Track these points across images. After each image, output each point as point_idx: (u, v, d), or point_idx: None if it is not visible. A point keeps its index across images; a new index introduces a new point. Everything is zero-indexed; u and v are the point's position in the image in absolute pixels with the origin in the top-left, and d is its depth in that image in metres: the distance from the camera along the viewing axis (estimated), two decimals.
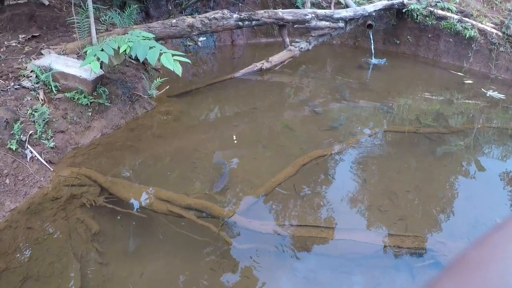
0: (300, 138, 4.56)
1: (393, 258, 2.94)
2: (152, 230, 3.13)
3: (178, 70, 3.71)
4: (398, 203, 3.51)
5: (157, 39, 4.49)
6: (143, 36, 4.01)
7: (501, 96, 6.05)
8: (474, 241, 0.46)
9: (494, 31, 7.03)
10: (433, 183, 3.88)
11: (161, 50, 3.78)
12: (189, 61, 3.96)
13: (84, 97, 4.17)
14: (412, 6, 7.34)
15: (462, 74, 6.91)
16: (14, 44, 4.79)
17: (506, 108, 5.74)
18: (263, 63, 5.84)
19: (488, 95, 6.10)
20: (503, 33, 6.96)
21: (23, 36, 4.98)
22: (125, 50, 3.82)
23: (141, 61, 4.29)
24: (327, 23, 6.33)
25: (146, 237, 3.07)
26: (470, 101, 5.91)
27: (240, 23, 5.54)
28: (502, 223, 0.47)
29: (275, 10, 5.90)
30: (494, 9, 7.72)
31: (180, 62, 3.82)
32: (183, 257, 2.90)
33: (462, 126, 5.10)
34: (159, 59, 3.75)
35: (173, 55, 3.79)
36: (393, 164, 4.19)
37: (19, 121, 3.61)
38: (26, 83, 4.01)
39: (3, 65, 4.22)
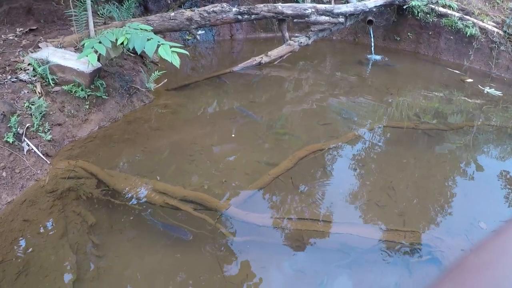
0: (298, 132, 4.55)
1: (390, 253, 2.93)
2: (148, 222, 3.12)
3: (176, 62, 3.68)
4: (396, 198, 3.50)
5: (155, 32, 4.46)
6: (141, 29, 3.99)
7: (498, 93, 6.04)
8: (474, 245, 0.46)
9: (495, 29, 7.01)
10: (431, 179, 3.87)
11: (159, 42, 3.75)
12: (187, 52, 3.94)
13: (82, 90, 4.15)
14: (413, 3, 7.30)
15: (459, 72, 6.88)
16: (11, 37, 4.77)
17: (505, 107, 5.72)
18: (262, 57, 5.81)
19: (485, 92, 6.09)
20: (504, 32, 6.93)
21: (20, 29, 4.95)
22: (122, 42, 3.79)
23: (138, 53, 4.26)
24: (327, 18, 6.29)
25: (142, 229, 3.05)
26: (469, 99, 5.89)
27: (239, 16, 5.52)
28: (502, 227, 0.47)
29: (275, 4, 5.87)
30: (496, 8, 7.68)
31: (179, 55, 3.80)
32: (179, 249, 2.89)
33: (461, 124, 5.08)
34: (157, 51, 3.72)
35: (171, 46, 3.76)
36: (392, 159, 4.18)
37: (16, 114, 3.59)
38: (23, 76, 3.99)
39: (0, 58, 4.20)
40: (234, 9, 5.47)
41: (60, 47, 4.62)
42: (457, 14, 7.25)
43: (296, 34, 6.53)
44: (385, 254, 2.92)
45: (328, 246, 2.98)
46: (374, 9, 6.97)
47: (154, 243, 2.92)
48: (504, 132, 5.03)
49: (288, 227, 3.07)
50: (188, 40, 7.04)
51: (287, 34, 6.21)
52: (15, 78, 3.94)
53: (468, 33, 6.98)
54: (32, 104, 3.75)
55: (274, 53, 5.95)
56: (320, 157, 4.03)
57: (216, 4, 5.38)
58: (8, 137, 3.41)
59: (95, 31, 4.66)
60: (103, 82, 4.37)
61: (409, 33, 7.80)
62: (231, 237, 2.96)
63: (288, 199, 3.43)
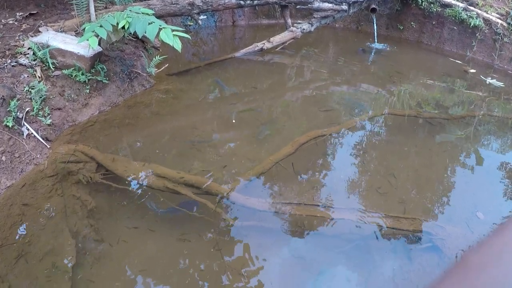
0: (299, 118, 4.53)
1: (390, 240, 2.93)
2: (148, 206, 3.10)
3: (178, 45, 3.63)
4: (397, 185, 3.49)
5: (157, 17, 4.41)
6: (142, 12, 3.94)
7: (500, 84, 6.01)
8: (475, 245, 0.46)
9: (499, 21, 6.93)
10: (432, 168, 3.86)
11: (160, 25, 3.70)
12: (188, 36, 3.89)
13: (82, 74, 4.12)
14: None
15: (462, 63, 6.83)
16: (11, 22, 4.73)
17: (507, 99, 5.68)
18: (264, 43, 5.77)
19: (487, 82, 6.06)
20: (508, 23, 6.87)
21: (20, 13, 4.91)
22: (123, 26, 3.75)
23: (139, 37, 4.21)
24: (330, 5, 6.22)
25: (142, 214, 3.04)
26: (471, 91, 5.85)
27: (242, 2, 5.45)
28: (502, 227, 0.47)
29: None
30: None
31: (180, 39, 3.75)
32: (179, 233, 2.88)
33: (463, 114, 5.05)
34: (158, 35, 3.67)
35: (172, 30, 3.71)
36: (393, 147, 4.16)
37: (16, 98, 3.57)
38: (23, 60, 3.96)
39: (0, 42, 4.16)
40: None
41: (61, 31, 4.57)
42: (461, 5, 7.18)
43: (298, 21, 6.46)
44: (385, 241, 2.92)
45: (328, 232, 2.97)
46: None
47: (154, 227, 2.92)
48: (505, 123, 5.00)
49: (288, 212, 3.06)
50: (190, 26, 6.97)
51: (289, 20, 6.15)
52: (15, 62, 3.91)
53: (472, 24, 6.92)
54: (32, 88, 3.72)
55: (277, 39, 5.90)
56: (321, 143, 4.01)
57: None
58: (7, 121, 3.39)
59: (96, 15, 4.61)
60: (104, 67, 4.34)
61: (412, 22, 7.72)
62: (232, 222, 2.96)
63: (289, 184, 3.41)
